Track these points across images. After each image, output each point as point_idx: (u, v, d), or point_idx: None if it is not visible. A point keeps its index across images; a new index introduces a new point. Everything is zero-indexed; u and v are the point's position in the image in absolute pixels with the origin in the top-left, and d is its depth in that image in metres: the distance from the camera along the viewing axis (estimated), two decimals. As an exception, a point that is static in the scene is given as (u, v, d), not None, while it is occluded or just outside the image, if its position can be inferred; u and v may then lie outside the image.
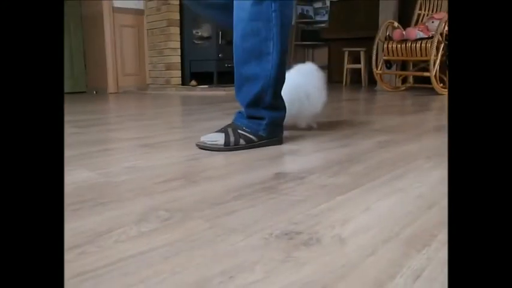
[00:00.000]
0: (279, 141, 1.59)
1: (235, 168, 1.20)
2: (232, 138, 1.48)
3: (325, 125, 2.08)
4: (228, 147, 1.48)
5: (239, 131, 1.51)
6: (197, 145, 1.53)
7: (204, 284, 0.57)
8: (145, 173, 1.17)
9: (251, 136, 1.51)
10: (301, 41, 7.23)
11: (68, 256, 0.67)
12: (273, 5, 1.44)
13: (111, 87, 5.13)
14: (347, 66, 6.16)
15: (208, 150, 1.48)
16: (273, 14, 1.45)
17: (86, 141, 1.68)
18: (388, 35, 4.56)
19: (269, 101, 1.52)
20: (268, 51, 1.47)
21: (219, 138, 1.49)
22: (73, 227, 0.79)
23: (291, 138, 1.68)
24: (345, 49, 6.11)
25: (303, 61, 6.44)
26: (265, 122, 1.53)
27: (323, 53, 7.23)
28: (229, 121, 1.63)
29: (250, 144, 1.51)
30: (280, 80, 1.54)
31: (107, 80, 5.11)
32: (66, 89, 5.27)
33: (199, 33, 5.19)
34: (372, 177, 1.09)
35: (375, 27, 5.05)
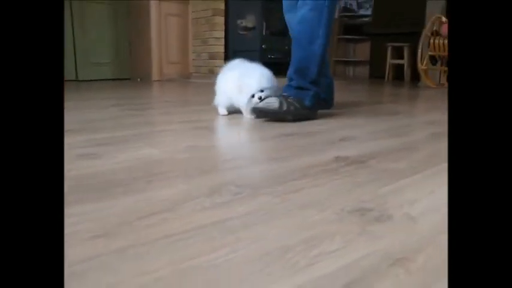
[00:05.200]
0: (316, 116, 1.93)
1: (294, 152, 1.22)
2: (285, 106, 1.76)
3: (374, 117, 2.08)
4: (279, 111, 1.75)
5: (288, 99, 1.78)
6: (252, 110, 1.81)
7: (288, 250, 0.60)
8: (207, 152, 1.21)
9: (297, 104, 1.80)
10: (344, 35, 7.18)
11: (150, 221, 0.71)
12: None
13: (155, 74, 5.22)
14: (390, 61, 6.09)
15: (262, 112, 1.77)
16: (325, 8, 1.83)
17: (141, 123, 1.73)
18: (435, 30, 4.50)
19: (314, 76, 1.87)
20: (318, 35, 1.85)
21: (274, 102, 1.75)
22: (149, 197, 0.83)
23: (345, 127, 1.70)
24: (388, 44, 6.04)
25: (344, 55, 6.38)
26: (311, 94, 1.86)
27: (365, 47, 7.16)
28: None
29: (296, 117, 1.80)
30: (323, 61, 1.89)
31: (151, 67, 5.20)
32: (111, 75, 5.38)
33: (244, 24, 5.22)
34: (432, 164, 1.10)
35: (420, 22, 5.00)
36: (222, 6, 5.20)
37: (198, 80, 5.16)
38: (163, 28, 5.22)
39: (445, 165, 1.10)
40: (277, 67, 5.35)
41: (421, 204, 0.80)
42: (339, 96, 3.20)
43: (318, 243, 0.62)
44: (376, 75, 6.71)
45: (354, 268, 0.55)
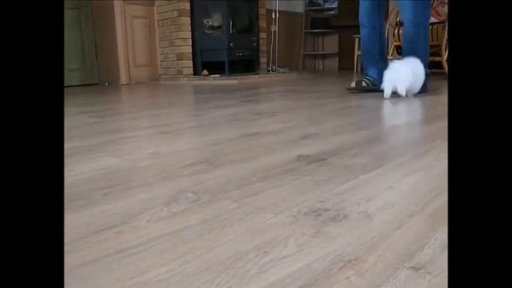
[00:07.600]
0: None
1: (256, 152, 1.22)
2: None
3: (339, 111, 2.09)
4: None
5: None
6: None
7: (240, 258, 0.60)
8: (168, 158, 1.20)
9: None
10: (311, 29, 7.20)
11: (105, 235, 0.69)
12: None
13: (123, 78, 5.16)
14: (358, 53, 6.12)
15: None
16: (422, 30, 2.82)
17: (107, 130, 1.71)
18: (399, 20, 4.54)
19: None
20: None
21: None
22: (106, 209, 0.82)
23: (308, 123, 1.70)
24: (354, 36, 6.07)
25: (313, 49, 6.38)
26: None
27: (333, 40, 7.21)
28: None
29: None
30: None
31: (118, 71, 5.14)
32: (79, 81, 5.31)
33: (210, 23, 5.20)
34: (392, 158, 1.11)
35: (385, 14, 5.02)
36: (188, 6, 5.16)
37: (167, 82, 5.12)
38: (129, 31, 5.17)
39: (404, 158, 1.10)
40: (245, 64, 5.37)
41: (378, 200, 0.81)
42: (304, 89, 3.20)
43: (271, 249, 0.62)
44: (346, 67, 6.76)
45: (306, 273, 0.55)
